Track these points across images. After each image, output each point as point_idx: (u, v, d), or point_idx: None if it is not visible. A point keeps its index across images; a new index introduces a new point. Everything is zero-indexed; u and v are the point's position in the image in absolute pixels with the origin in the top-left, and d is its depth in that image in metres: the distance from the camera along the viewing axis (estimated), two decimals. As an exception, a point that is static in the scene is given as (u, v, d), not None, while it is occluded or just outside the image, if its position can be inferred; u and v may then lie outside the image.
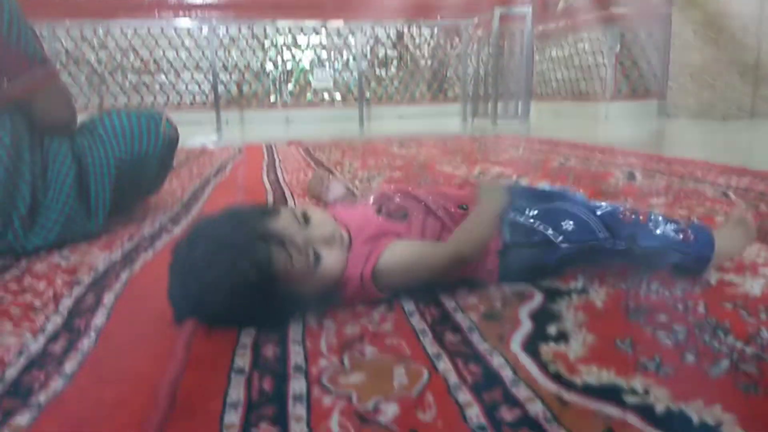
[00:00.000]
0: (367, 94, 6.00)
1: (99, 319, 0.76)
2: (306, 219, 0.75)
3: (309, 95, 5.83)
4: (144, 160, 1.30)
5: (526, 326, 0.69)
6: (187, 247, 0.71)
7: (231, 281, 0.67)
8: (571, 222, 0.81)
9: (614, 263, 0.84)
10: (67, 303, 0.82)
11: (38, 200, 1.12)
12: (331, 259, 0.74)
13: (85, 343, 0.69)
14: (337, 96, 5.98)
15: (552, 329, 0.68)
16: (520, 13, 4.44)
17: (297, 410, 0.52)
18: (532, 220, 0.83)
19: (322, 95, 5.93)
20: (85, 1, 5.23)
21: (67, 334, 0.71)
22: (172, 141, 1.38)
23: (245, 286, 0.67)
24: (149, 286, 0.87)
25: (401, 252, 0.75)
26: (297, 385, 0.57)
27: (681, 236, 0.82)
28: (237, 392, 0.56)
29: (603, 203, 0.87)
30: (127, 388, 0.58)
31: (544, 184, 1.00)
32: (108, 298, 0.84)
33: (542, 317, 0.72)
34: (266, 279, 0.68)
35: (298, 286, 0.71)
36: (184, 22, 5.43)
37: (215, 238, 0.70)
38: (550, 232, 0.81)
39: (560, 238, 0.80)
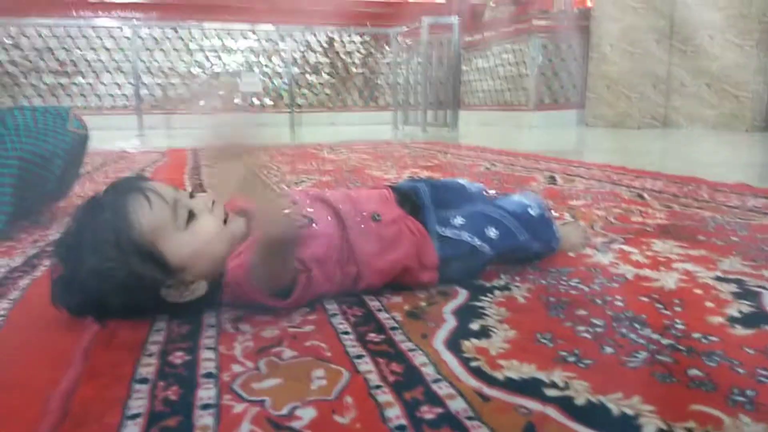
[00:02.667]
0: (299, 101, 5.94)
1: (-11, 329, 0.69)
2: (191, 196, 0.75)
3: (237, 99, 5.71)
4: (50, 161, 1.21)
5: (449, 323, 0.68)
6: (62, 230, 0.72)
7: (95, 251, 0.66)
8: (495, 229, 0.83)
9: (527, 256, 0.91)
10: (-48, 313, 0.74)
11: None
12: (209, 221, 0.72)
13: (-30, 355, 0.62)
14: (267, 101, 5.88)
15: (475, 325, 0.67)
16: (447, 22, 4.51)
17: (204, 420, 0.49)
18: (458, 231, 0.82)
19: (251, 100, 5.82)
20: (-7, -4, 4.92)
21: (-52, 347, 0.64)
22: (82, 141, 1.30)
23: (109, 246, 0.66)
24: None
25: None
26: (206, 393, 0.53)
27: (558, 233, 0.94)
28: (138, 403, 0.51)
29: (532, 202, 0.89)
30: (16, 400, 0.52)
31: (462, 180, 1.01)
32: (2, 306, 0.77)
33: (465, 314, 0.71)
34: (128, 235, 0.67)
35: (172, 245, 0.69)
36: (104, 22, 5.19)
37: (86, 214, 0.70)
38: (477, 242, 0.81)
39: (486, 247, 0.81)
